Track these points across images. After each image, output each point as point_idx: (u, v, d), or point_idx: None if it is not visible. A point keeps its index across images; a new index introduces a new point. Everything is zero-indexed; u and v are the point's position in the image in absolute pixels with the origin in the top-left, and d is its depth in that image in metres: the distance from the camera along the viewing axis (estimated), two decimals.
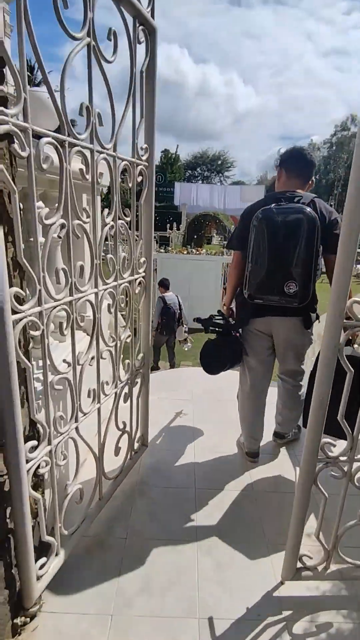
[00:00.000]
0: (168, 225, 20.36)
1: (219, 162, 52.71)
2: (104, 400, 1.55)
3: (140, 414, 2.06)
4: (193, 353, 8.05)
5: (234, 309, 2.11)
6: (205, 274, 9.60)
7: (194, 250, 9.88)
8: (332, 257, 1.24)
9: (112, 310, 1.57)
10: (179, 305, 5.67)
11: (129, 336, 1.74)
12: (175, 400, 2.86)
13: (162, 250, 10.03)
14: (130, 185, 1.58)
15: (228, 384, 2.65)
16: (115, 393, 1.67)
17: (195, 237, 14.59)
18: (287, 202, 1.71)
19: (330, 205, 1.80)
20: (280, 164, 1.89)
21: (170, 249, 10.33)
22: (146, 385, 2.03)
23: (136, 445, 2.06)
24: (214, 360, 2.07)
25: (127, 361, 1.78)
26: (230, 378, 2.37)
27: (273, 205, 1.70)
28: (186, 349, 6.23)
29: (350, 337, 1.38)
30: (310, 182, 1.88)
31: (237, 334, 2.06)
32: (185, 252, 9.74)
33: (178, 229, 20.79)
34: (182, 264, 9.50)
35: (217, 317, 2.10)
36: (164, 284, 5.75)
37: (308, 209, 1.64)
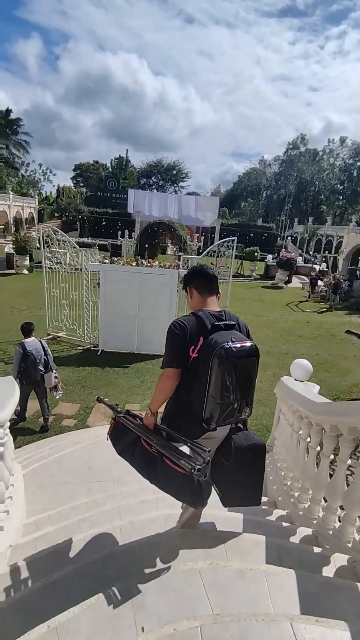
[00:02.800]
0: (119, 232, 18.91)
1: (174, 172, 52.57)
2: None
3: None
4: (141, 391, 6.53)
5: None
6: (157, 289, 8.18)
7: (144, 261, 8.40)
8: None
9: None
10: (44, 350, 5.07)
11: None
12: None
13: (107, 261, 8.48)
14: None
15: None
16: None
17: (147, 245, 13.19)
18: (228, 329, 1.87)
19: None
20: (188, 284, 2.07)
21: (116, 259, 8.77)
22: None
23: None
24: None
25: None
26: None
27: (230, 344, 1.74)
28: (57, 397, 5.53)
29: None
30: (219, 294, 2.08)
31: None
32: (133, 264, 8.25)
33: (130, 236, 19.43)
34: (129, 277, 8.01)
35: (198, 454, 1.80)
36: (27, 329, 5.09)
37: (253, 344, 1.83)
